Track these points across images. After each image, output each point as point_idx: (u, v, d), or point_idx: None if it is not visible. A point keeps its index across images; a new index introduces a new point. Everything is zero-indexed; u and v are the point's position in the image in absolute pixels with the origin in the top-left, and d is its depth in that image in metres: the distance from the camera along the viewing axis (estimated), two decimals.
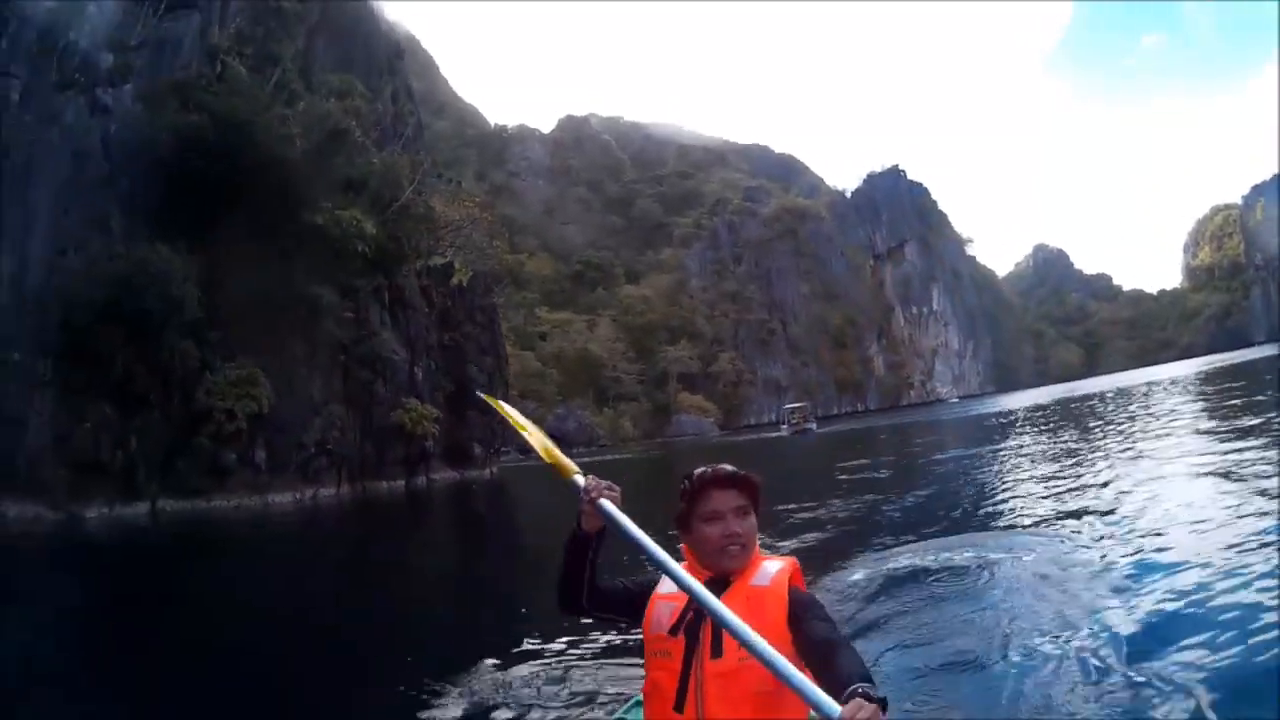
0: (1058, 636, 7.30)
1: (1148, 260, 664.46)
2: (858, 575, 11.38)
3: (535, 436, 3.97)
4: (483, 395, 4.97)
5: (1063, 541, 11.31)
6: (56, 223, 37.38)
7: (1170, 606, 7.31)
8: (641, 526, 3.34)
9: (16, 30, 37.53)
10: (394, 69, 69.31)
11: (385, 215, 49.61)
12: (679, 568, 3.13)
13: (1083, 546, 10.72)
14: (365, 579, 18.08)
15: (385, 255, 48.55)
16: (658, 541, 3.23)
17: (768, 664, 2.72)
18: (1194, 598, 7.33)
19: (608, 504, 3.34)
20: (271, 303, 40.96)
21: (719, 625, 2.97)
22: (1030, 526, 13.36)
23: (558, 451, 3.78)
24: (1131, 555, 9.50)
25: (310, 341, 43.56)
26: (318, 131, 48.54)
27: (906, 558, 11.93)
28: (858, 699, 2.53)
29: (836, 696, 2.60)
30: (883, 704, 2.55)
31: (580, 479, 3.50)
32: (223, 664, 10.43)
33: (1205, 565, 8.16)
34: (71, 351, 35.93)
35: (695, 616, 3.20)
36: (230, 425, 38.77)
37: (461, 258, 57.62)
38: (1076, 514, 13.37)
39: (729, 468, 3.39)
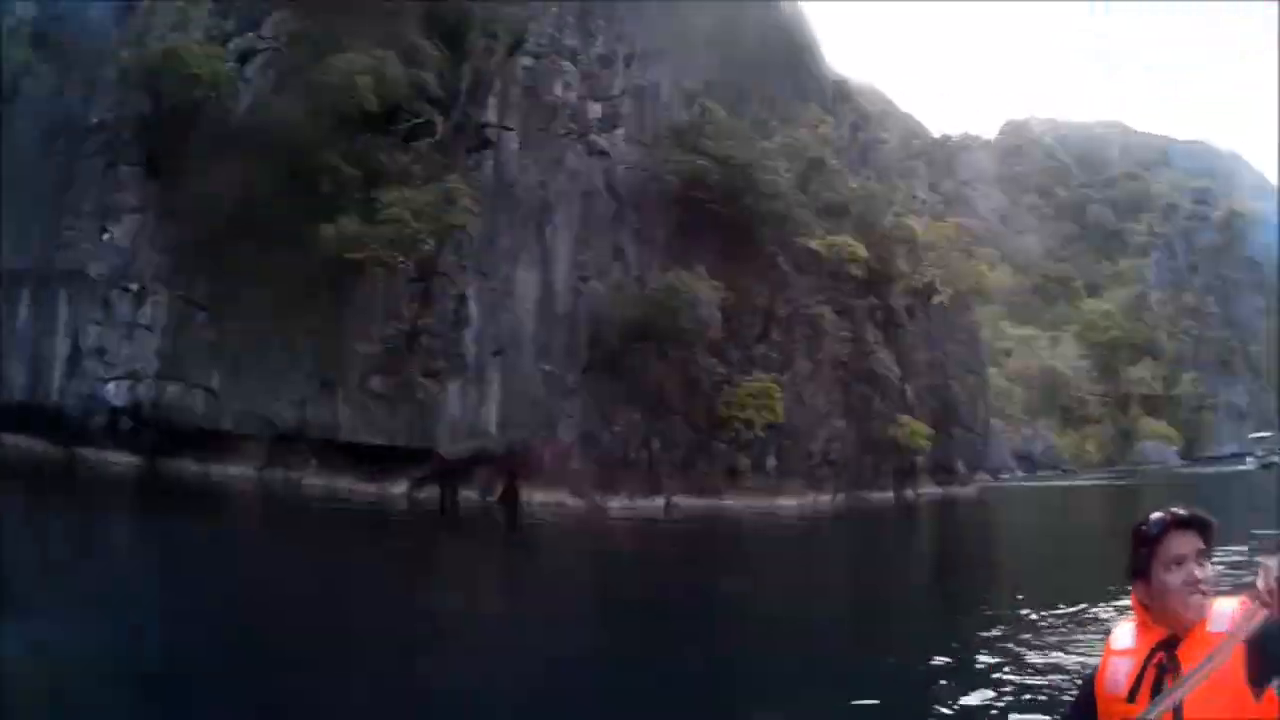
0: None
1: None
2: None
3: None
4: None
5: None
6: (575, 254, 42.44)
7: None
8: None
9: (504, 88, 42.91)
10: (844, 93, 71.44)
11: (871, 238, 51.60)
12: None
13: None
14: (857, 587, 18.96)
15: (875, 276, 50.76)
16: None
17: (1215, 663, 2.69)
18: None
19: None
20: (779, 323, 44.62)
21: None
22: None
23: None
24: None
25: (814, 359, 46.44)
26: (799, 162, 51.66)
27: None
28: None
29: None
30: None
31: None
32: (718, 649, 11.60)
33: None
34: (599, 364, 41.15)
35: (1157, 675, 2.94)
36: (747, 433, 42.35)
37: (940, 277, 58.51)
38: None
39: (1186, 510, 3.12)
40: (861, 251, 49.31)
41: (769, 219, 45.29)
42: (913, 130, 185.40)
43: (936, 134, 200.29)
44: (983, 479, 63.67)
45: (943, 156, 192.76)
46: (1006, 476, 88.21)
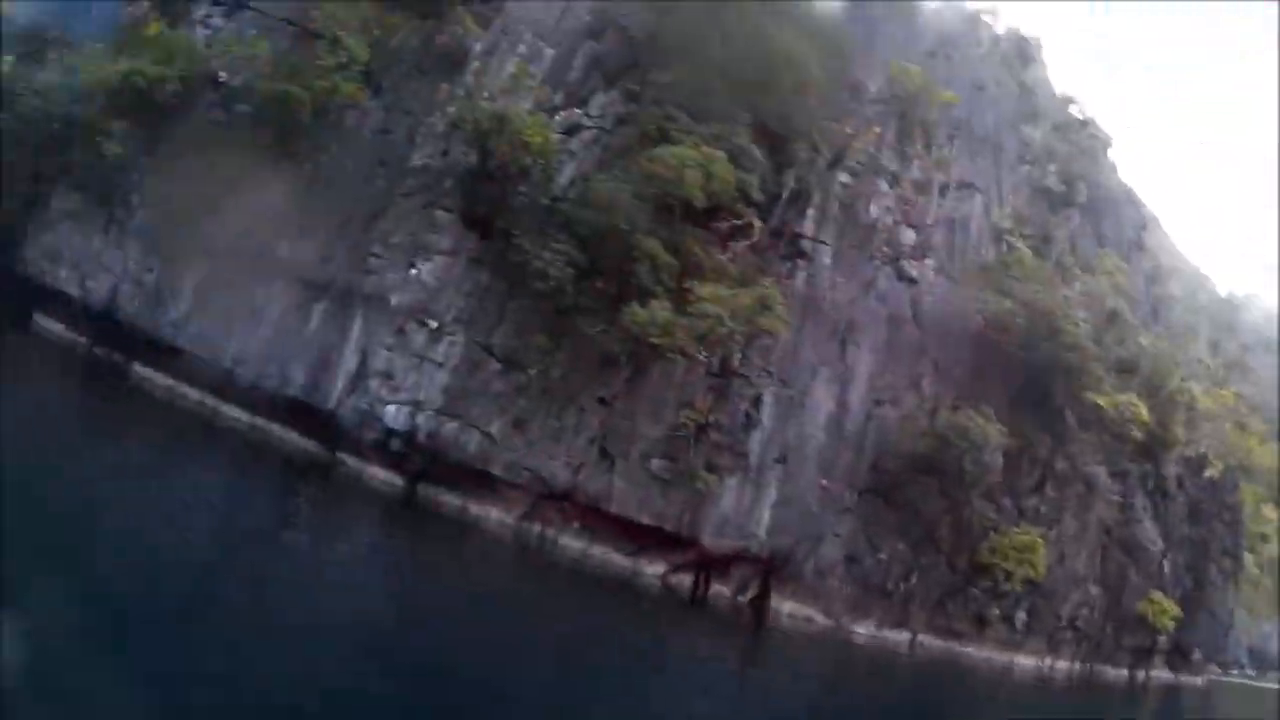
0: None
1: None
2: None
3: None
4: None
5: None
6: (874, 376, 42.83)
7: None
8: None
9: (822, 201, 43.75)
10: (1141, 243, 69.09)
11: (1154, 400, 49.86)
12: None
13: None
14: None
15: (1152, 441, 49.03)
16: None
17: None
18: None
19: None
20: (1055, 477, 43.66)
21: None
22: None
23: None
24: None
25: (1081, 520, 45.32)
26: (1096, 312, 50.49)
27: None
28: None
29: None
30: None
31: None
32: None
33: None
34: (877, 489, 41.38)
35: None
36: (1005, 584, 41.64)
37: (1213, 449, 55.99)
38: None
39: None
40: (1145, 414, 47.93)
41: (1063, 370, 44.62)
42: (1199, 284, 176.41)
43: (1222, 291, 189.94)
44: (1213, 670, 60.25)
45: (1226, 315, 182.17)
46: (1236, 672, 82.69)
